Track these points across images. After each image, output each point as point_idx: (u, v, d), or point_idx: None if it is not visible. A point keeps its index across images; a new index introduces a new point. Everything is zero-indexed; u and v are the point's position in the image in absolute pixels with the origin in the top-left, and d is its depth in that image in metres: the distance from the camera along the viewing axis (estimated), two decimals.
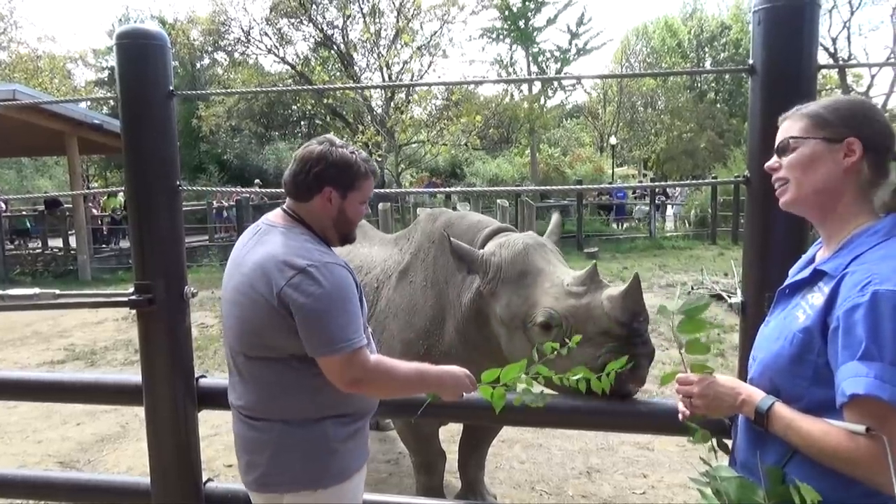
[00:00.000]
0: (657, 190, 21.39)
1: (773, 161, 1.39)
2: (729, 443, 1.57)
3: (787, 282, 1.43)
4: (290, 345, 1.70)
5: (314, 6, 24.67)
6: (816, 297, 1.27)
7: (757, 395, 1.32)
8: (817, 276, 1.31)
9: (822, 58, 2.17)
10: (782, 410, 1.26)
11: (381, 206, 10.70)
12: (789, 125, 1.37)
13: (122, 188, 2.35)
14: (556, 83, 25.20)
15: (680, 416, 1.48)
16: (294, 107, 30.22)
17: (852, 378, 1.13)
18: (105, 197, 18.06)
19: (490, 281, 2.50)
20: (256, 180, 24.70)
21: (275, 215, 1.86)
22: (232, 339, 1.81)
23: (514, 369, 1.82)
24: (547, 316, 2.26)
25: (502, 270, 2.47)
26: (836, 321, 1.19)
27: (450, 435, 4.23)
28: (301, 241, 1.74)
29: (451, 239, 2.57)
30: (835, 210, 1.32)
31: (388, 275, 3.15)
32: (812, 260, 1.41)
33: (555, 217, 2.90)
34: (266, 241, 1.76)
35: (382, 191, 2.45)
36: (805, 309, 1.29)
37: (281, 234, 1.77)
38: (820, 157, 1.30)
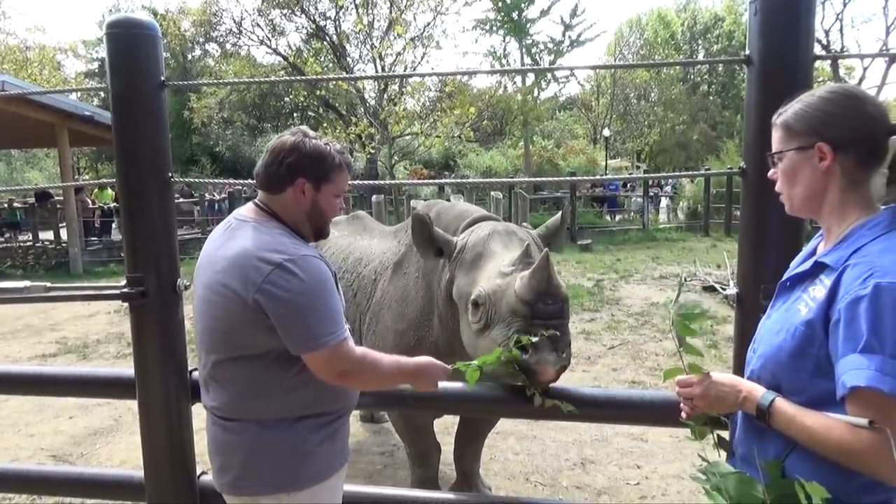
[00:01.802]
0: (651, 182, 21.41)
1: (772, 172, 1.43)
2: (726, 434, 1.58)
3: (787, 274, 1.44)
4: (265, 342, 1.67)
5: None
6: (818, 290, 1.28)
7: (757, 392, 1.32)
8: (818, 268, 1.32)
9: (815, 50, 2.15)
10: (784, 406, 1.27)
11: (374, 198, 10.67)
12: (773, 134, 1.41)
13: (113, 180, 2.33)
14: (549, 75, 25.19)
15: (683, 415, 1.50)
16: (286, 98, 30.06)
17: (853, 370, 1.14)
18: (96, 189, 17.91)
19: (453, 263, 2.53)
20: None
21: (246, 209, 1.82)
22: (204, 338, 1.77)
23: (488, 358, 1.96)
24: (476, 294, 2.27)
25: (464, 252, 2.50)
26: (838, 314, 1.19)
27: (444, 427, 4.23)
28: (275, 235, 1.71)
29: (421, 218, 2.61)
30: (824, 207, 1.34)
31: (385, 266, 3.15)
32: (813, 252, 1.41)
33: (556, 216, 2.77)
34: (238, 236, 1.72)
35: (376, 182, 2.45)
36: (807, 302, 1.30)
37: (253, 228, 1.72)
38: (798, 166, 1.34)
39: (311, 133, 1.79)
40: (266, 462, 1.72)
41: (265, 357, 1.69)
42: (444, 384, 2.29)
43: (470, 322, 2.32)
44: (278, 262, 1.62)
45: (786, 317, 1.34)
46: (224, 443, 1.77)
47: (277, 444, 1.72)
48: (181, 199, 18.40)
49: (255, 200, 1.82)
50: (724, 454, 1.53)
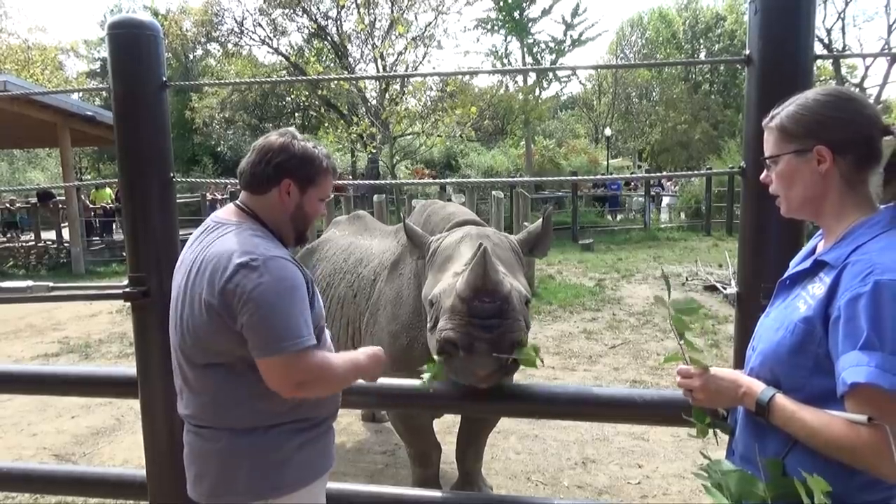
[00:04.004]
0: (652, 181, 21.41)
1: (765, 175, 1.43)
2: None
3: (787, 273, 1.44)
4: (234, 348, 1.61)
5: None
6: (818, 288, 1.28)
7: (757, 387, 1.32)
8: (818, 266, 1.32)
9: (817, 48, 2.16)
10: (783, 402, 1.27)
11: (375, 197, 10.64)
12: (766, 138, 1.41)
13: (111, 180, 2.34)
14: (550, 74, 25.15)
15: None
16: (288, 98, 30.06)
17: (853, 367, 1.14)
18: (94, 189, 17.88)
19: (427, 264, 2.56)
20: None
21: (225, 211, 1.79)
22: (177, 343, 1.73)
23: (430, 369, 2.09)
24: (432, 294, 2.30)
25: (436, 255, 2.51)
26: (838, 311, 1.20)
27: (446, 426, 4.24)
28: (247, 236, 1.66)
29: (407, 223, 2.63)
30: (824, 209, 1.35)
31: (383, 267, 3.16)
32: (813, 251, 1.42)
33: (537, 222, 2.67)
34: (212, 239, 1.68)
35: (378, 182, 2.47)
36: (806, 299, 1.30)
37: (228, 231, 1.69)
38: (796, 169, 1.34)
39: (299, 135, 1.78)
40: (243, 469, 1.67)
41: (238, 365, 1.65)
42: (442, 384, 2.30)
43: (427, 321, 2.35)
44: (244, 262, 1.57)
45: (785, 314, 1.35)
46: (199, 450, 1.74)
47: (253, 450, 1.67)
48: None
49: (236, 201, 1.80)
50: (723, 452, 1.53)
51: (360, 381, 2.25)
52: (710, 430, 1.52)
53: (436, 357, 2.14)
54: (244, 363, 1.64)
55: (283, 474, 1.69)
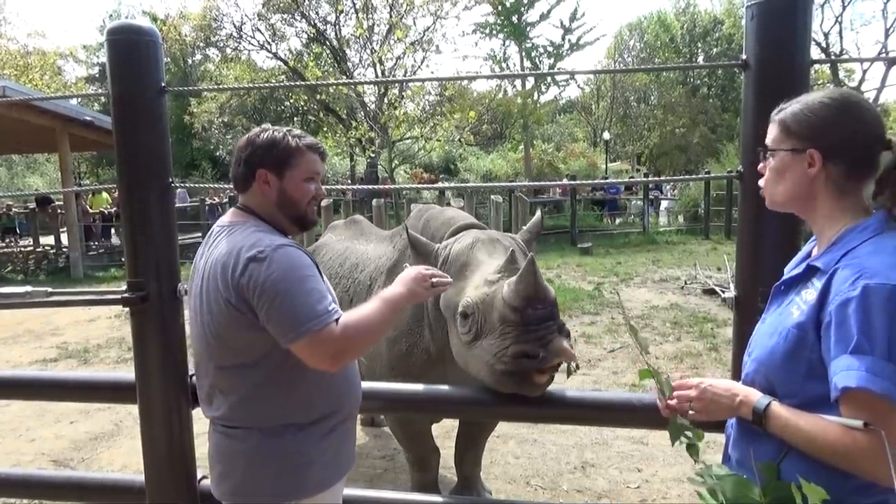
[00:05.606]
0: (651, 185, 21.41)
1: (762, 165, 1.44)
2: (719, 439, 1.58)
3: (782, 278, 1.45)
4: (259, 346, 1.65)
5: (307, 1, 24.54)
6: (810, 293, 1.29)
7: (753, 396, 1.32)
8: (811, 271, 1.33)
9: (814, 53, 2.18)
10: (779, 410, 1.27)
11: (374, 202, 10.68)
12: (770, 129, 1.42)
13: (110, 185, 2.34)
14: (549, 78, 25.20)
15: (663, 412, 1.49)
16: (287, 103, 30.14)
17: (844, 372, 1.15)
18: (91, 195, 17.85)
19: None
20: None
21: (227, 215, 1.85)
22: (200, 348, 1.76)
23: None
24: (464, 305, 2.24)
25: (448, 262, 2.49)
26: (829, 316, 1.20)
27: (444, 431, 4.23)
28: (250, 232, 1.70)
29: (409, 231, 2.62)
30: (814, 211, 1.36)
31: (380, 272, 3.15)
32: (807, 256, 1.42)
33: (536, 215, 2.77)
34: (219, 243, 1.74)
35: (377, 187, 2.47)
36: (799, 305, 1.31)
37: (231, 232, 1.74)
38: (788, 166, 1.35)
39: (272, 127, 1.80)
40: (268, 471, 1.70)
41: (263, 363, 1.68)
42: (441, 388, 2.30)
43: (459, 333, 2.28)
44: (252, 256, 1.61)
45: (779, 320, 1.35)
46: (225, 450, 1.76)
47: (281, 452, 1.70)
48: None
49: (237, 205, 1.85)
50: (720, 457, 1.53)
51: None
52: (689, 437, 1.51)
53: (491, 374, 2.11)
54: (270, 362, 1.67)
55: (306, 478, 1.72)
